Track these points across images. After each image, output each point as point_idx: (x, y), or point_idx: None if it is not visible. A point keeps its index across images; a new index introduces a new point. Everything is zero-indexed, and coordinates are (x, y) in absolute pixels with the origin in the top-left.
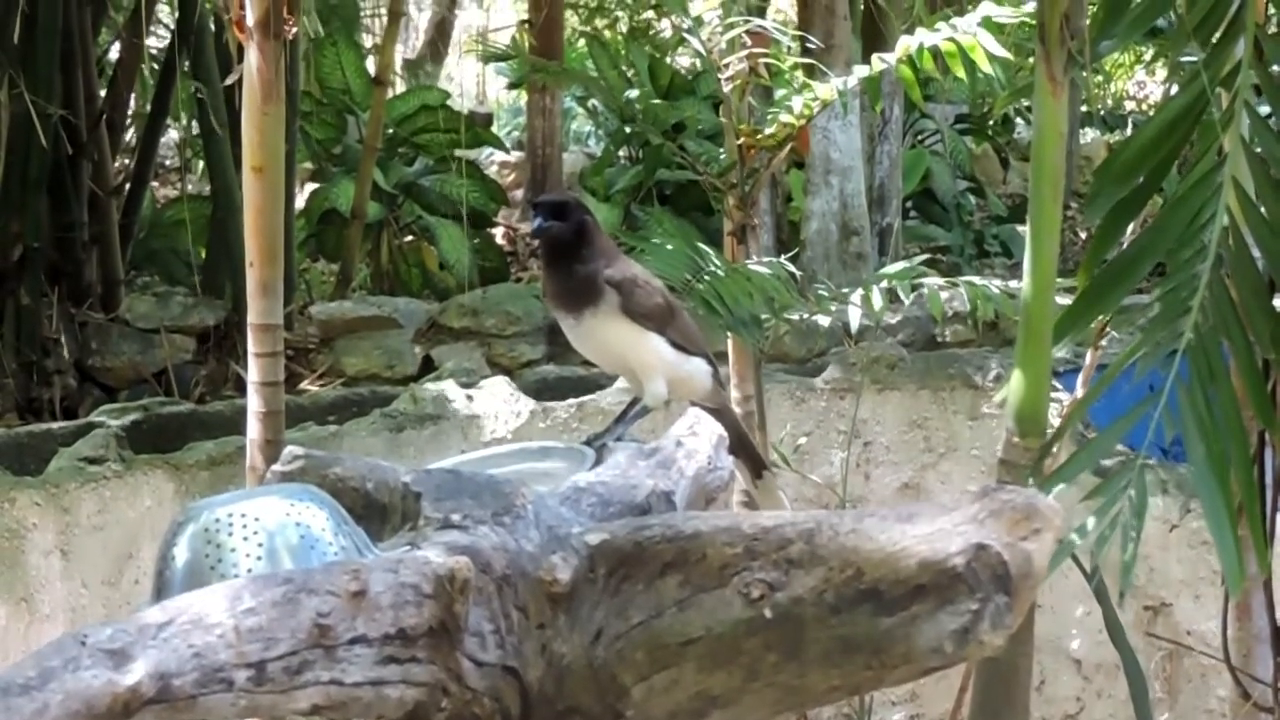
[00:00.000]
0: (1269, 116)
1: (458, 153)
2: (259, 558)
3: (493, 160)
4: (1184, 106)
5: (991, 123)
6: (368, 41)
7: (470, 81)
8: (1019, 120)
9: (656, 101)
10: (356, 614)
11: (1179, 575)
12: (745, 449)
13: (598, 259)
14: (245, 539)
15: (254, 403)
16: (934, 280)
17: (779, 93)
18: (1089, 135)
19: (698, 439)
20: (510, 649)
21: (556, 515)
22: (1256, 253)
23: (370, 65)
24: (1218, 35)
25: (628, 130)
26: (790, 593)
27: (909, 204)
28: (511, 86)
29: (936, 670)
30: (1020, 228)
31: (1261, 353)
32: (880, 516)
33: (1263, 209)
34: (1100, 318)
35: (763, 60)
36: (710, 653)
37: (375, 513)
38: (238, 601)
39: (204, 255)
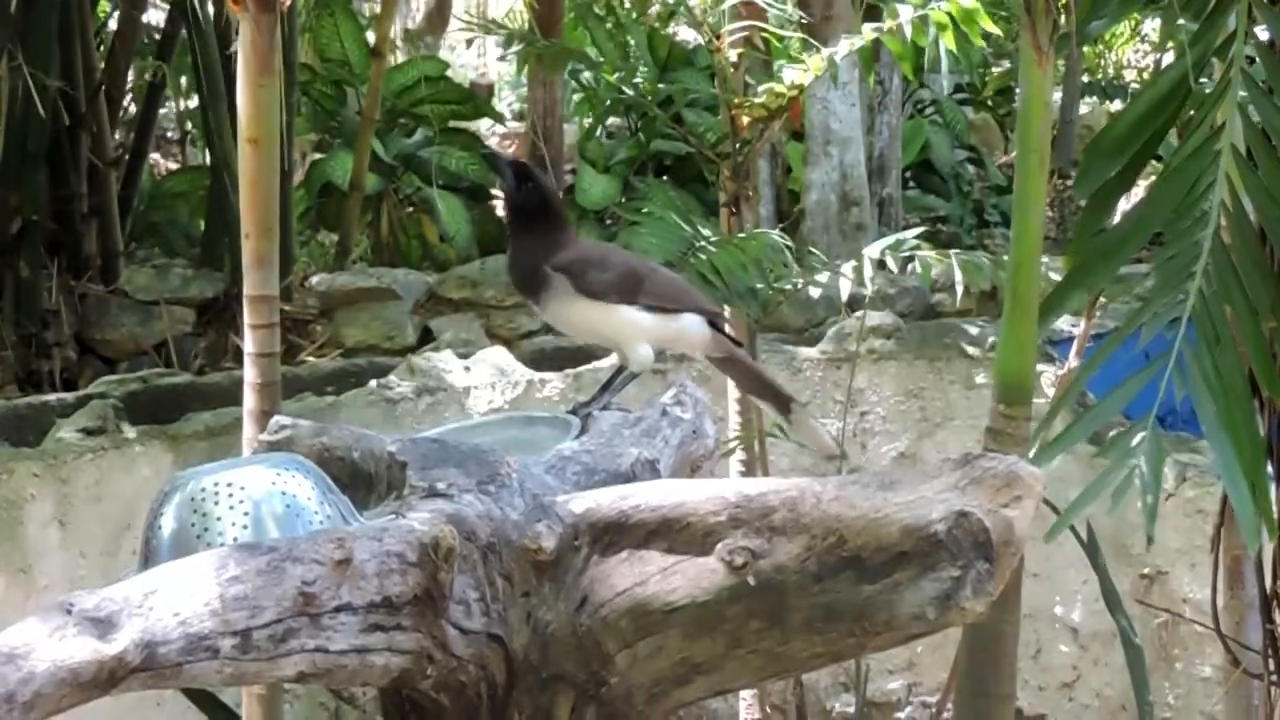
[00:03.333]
0: (1270, 92)
1: (460, 124)
2: (245, 526)
3: (494, 132)
4: (1175, 80)
5: (990, 92)
6: (367, 12)
7: (471, 53)
8: (1019, 90)
9: (662, 76)
10: (341, 582)
11: (1175, 544)
12: (766, 389)
13: (547, 243)
14: (231, 508)
15: (250, 374)
16: (926, 252)
17: (777, 64)
18: (1090, 104)
19: (683, 407)
20: (495, 617)
21: (541, 484)
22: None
23: (370, 37)
24: (1210, 6)
25: (610, 104)
26: (773, 560)
27: (908, 174)
28: (503, 57)
29: (919, 637)
30: None
31: (1263, 318)
32: (862, 484)
33: (1261, 175)
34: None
35: (758, 32)
36: (694, 620)
37: (361, 482)
38: (223, 570)
39: (204, 227)
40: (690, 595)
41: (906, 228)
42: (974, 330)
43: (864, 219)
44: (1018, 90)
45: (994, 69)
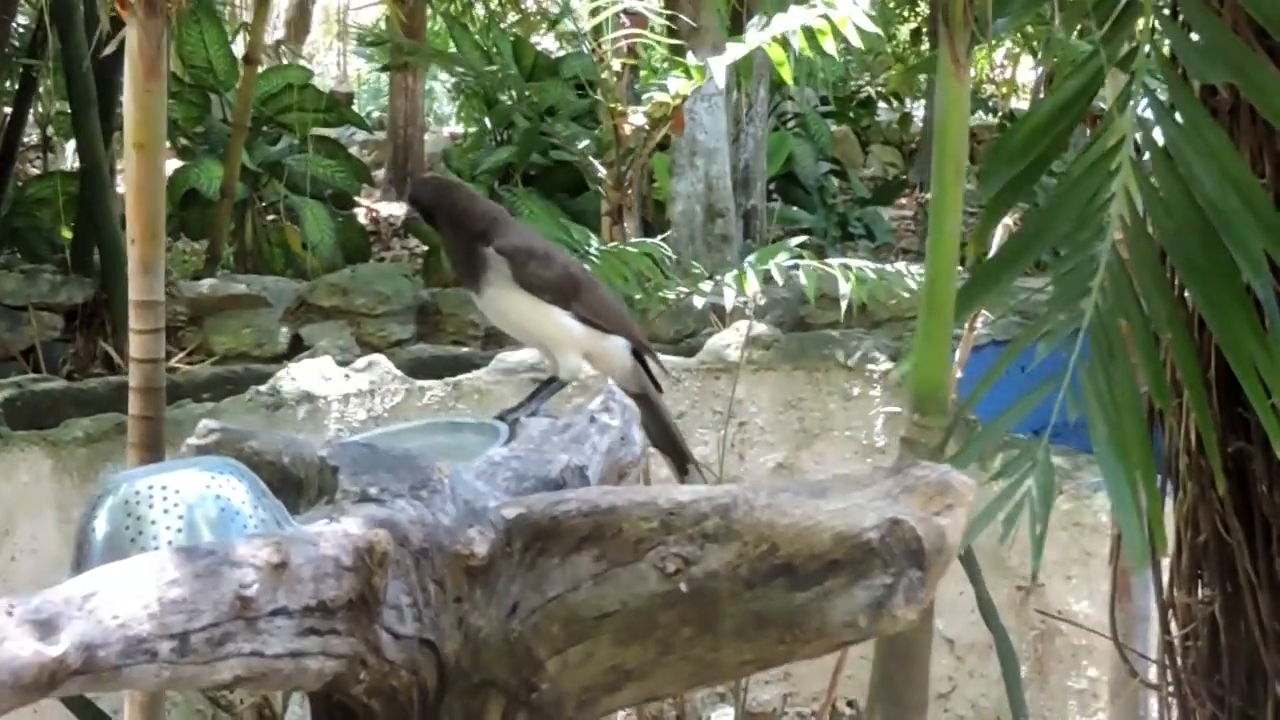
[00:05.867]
0: (1171, 107)
1: (320, 131)
2: (179, 530)
3: (354, 139)
4: (1079, 88)
5: (852, 105)
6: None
7: (331, 60)
8: (881, 104)
9: (527, 85)
10: (278, 586)
11: (1052, 556)
12: (670, 443)
13: (488, 229)
14: (165, 511)
15: (134, 379)
16: (810, 262)
17: (643, 74)
18: (976, 119)
19: (611, 414)
20: (427, 622)
21: (473, 490)
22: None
23: (235, 45)
24: (1114, 16)
25: (483, 117)
26: (705, 567)
27: (772, 186)
28: (384, 69)
29: (850, 644)
30: (883, 210)
31: (1158, 332)
32: (794, 492)
33: (1160, 191)
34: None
35: (637, 41)
36: (625, 626)
37: (291, 486)
38: (162, 573)
39: (70, 233)
40: (622, 601)
41: (771, 239)
42: (851, 341)
43: (729, 230)
44: (884, 104)
45: (855, 81)
